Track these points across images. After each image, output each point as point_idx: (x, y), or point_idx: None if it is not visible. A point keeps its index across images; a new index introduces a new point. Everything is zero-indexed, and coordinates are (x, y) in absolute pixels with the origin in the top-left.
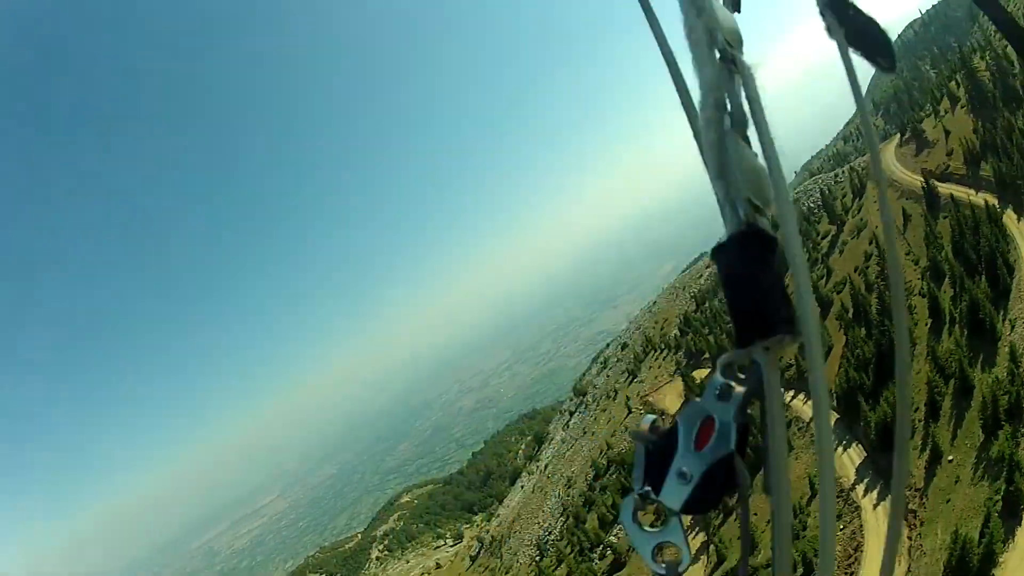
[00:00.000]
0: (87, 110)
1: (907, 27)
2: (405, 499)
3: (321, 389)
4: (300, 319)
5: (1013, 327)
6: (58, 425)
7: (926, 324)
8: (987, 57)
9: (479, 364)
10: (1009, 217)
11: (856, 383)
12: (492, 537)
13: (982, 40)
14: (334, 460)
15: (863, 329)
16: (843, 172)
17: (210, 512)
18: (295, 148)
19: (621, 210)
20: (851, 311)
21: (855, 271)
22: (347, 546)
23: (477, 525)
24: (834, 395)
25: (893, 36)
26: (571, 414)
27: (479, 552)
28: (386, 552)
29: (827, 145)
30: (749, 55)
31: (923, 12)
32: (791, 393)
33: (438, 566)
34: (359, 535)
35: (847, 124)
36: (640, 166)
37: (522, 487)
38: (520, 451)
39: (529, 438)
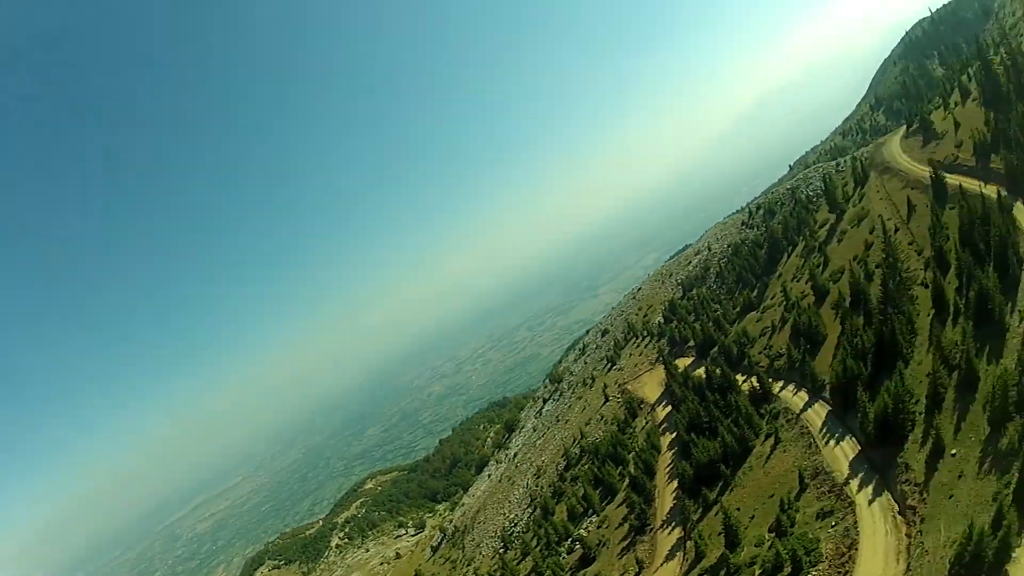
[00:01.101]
0: None
1: (916, 25)
2: (369, 485)
3: (293, 368)
4: (274, 295)
5: (1023, 319)
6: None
7: (928, 315)
8: (1002, 52)
9: (453, 351)
10: (1020, 209)
11: (854, 373)
12: (455, 527)
13: (997, 35)
14: (301, 443)
15: (861, 318)
16: (845, 161)
17: (175, 493)
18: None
19: (607, 200)
20: (849, 300)
21: (854, 260)
22: (308, 532)
23: (440, 514)
24: (828, 385)
25: (901, 35)
26: (545, 401)
27: (441, 542)
28: (346, 540)
29: (823, 140)
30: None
31: (933, 12)
32: (780, 384)
33: (398, 556)
34: (320, 521)
35: (846, 120)
36: (626, 156)
37: (489, 476)
38: (489, 439)
39: (499, 426)
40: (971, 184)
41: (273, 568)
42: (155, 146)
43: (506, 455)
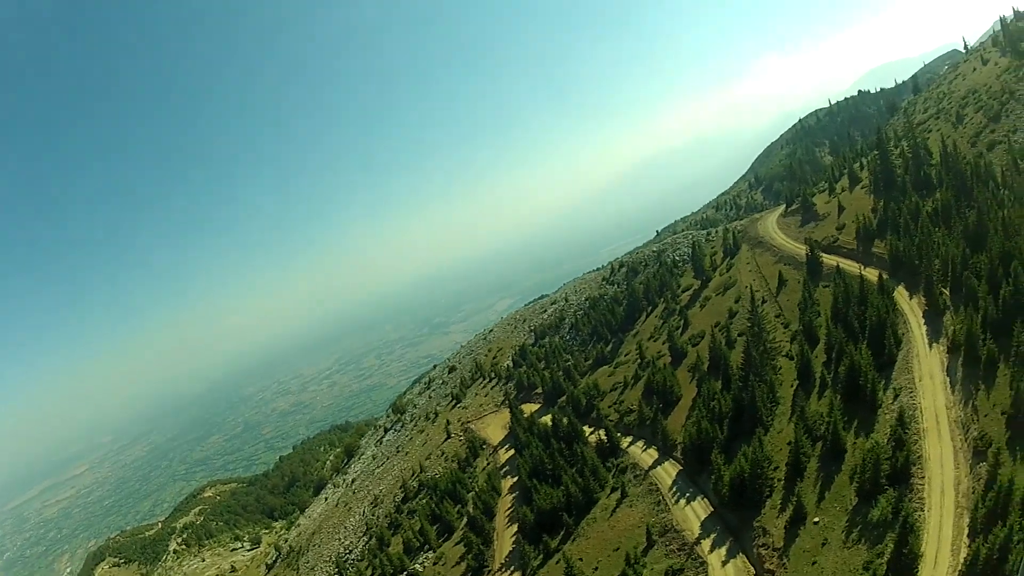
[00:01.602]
0: None
1: (811, 114)
2: (208, 493)
3: (146, 363)
4: (144, 283)
5: (897, 395)
6: None
7: (792, 385)
8: (904, 145)
9: (301, 367)
10: (901, 294)
11: (709, 435)
12: (290, 547)
13: (902, 129)
14: (146, 441)
15: (720, 383)
16: (716, 232)
17: (24, 472)
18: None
19: (471, 241)
20: (707, 364)
21: (716, 326)
22: (148, 533)
23: (277, 532)
24: (681, 445)
25: (793, 121)
26: (386, 431)
27: (276, 561)
28: (184, 546)
29: (695, 211)
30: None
31: (832, 103)
32: (629, 439)
33: (233, 569)
34: (160, 524)
35: (721, 194)
36: (502, 200)
37: (326, 499)
38: (328, 461)
39: (339, 449)
40: (850, 266)
41: (113, 566)
42: None
43: (344, 480)
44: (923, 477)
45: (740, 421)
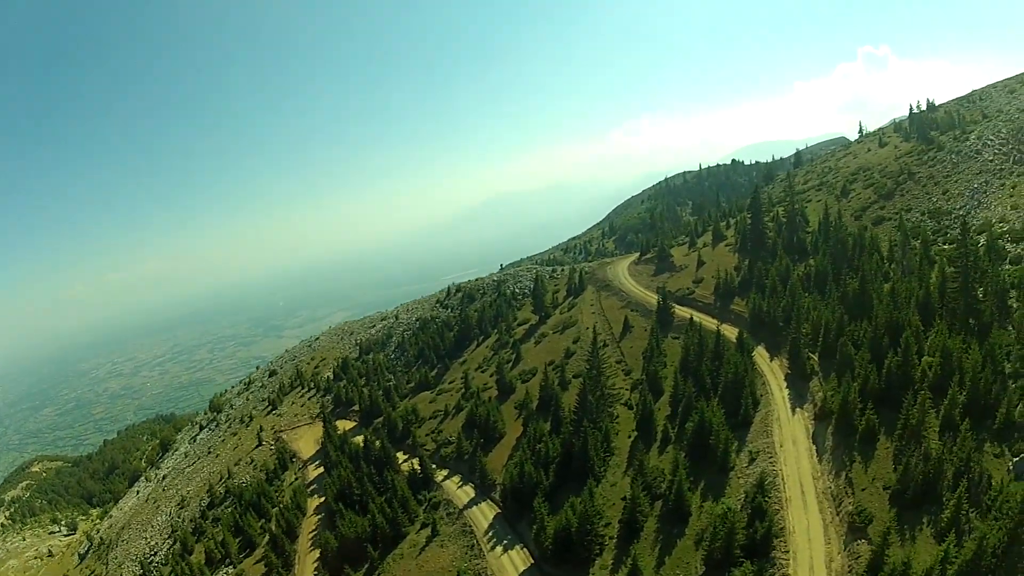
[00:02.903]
0: None
1: (678, 174)
2: (36, 468)
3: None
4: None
5: (754, 459)
6: None
7: (629, 436)
8: (778, 210)
9: (136, 350)
10: (761, 354)
11: (532, 479)
12: (101, 539)
13: (781, 194)
14: None
15: (549, 424)
16: (562, 270)
17: None
18: None
19: (323, 247)
20: (536, 403)
21: (550, 364)
22: None
23: (92, 520)
24: (501, 487)
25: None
26: (201, 428)
27: (88, 551)
28: (9, 521)
29: (544, 251)
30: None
31: (702, 168)
32: (445, 472)
33: (50, 554)
34: None
35: (573, 238)
36: (365, 209)
37: (138, 492)
38: (145, 452)
39: (156, 441)
40: (706, 320)
41: None
42: None
43: (156, 475)
44: (787, 551)
45: (569, 468)
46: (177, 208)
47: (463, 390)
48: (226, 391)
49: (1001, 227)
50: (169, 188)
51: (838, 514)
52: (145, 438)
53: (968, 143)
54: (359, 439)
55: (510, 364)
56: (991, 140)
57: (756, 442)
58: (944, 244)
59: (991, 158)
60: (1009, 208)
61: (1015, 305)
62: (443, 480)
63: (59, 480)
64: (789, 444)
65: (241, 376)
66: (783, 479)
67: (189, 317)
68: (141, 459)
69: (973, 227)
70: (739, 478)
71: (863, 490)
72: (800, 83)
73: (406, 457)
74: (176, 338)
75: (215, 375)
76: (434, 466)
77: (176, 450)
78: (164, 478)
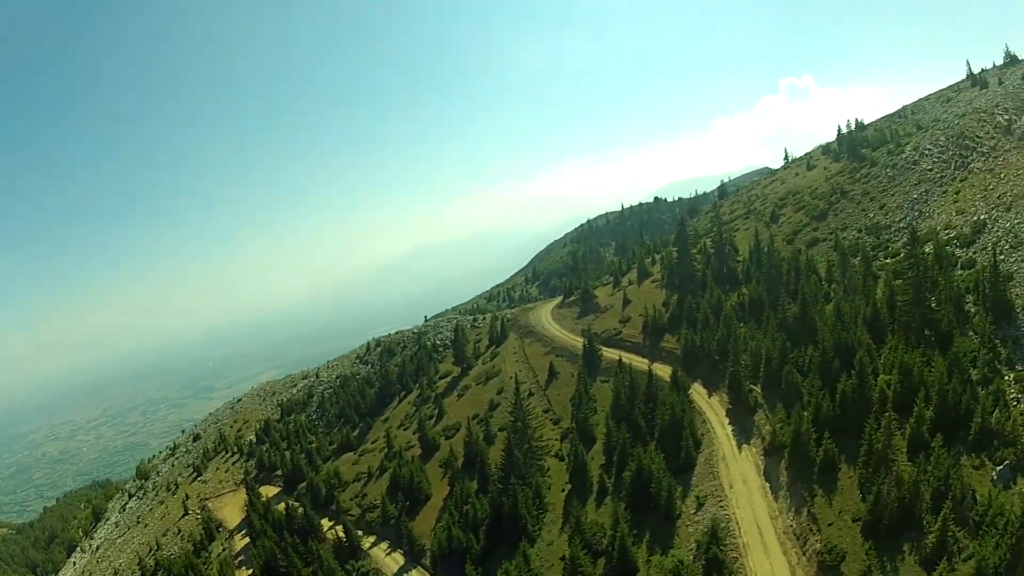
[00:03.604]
0: None
1: (600, 216)
2: None
3: None
4: None
5: (702, 504)
6: None
7: (563, 490)
8: (706, 242)
9: (71, 412)
10: (698, 391)
11: (462, 544)
12: None
13: (709, 225)
14: None
15: (476, 483)
16: (484, 318)
17: None
18: None
19: (263, 300)
20: (462, 460)
21: (474, 418)
22: None
23: None
24: (430, 552)
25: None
26: (130, 496)
27: None
28: None
29: (468, 300)
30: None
31: (624, 207)
32: (372, 538)
33: None
34: None
35: (496, 286)
36: (290, 262)
37: (74, 564)
38: (80, 521)
39: (88, 510)
40: (636, 360)
41: None
42: None
43: (90, 546)
44: None
45: (500, 529)
46: (107, 263)
47: (386, 450)
48: (153, 457)
49: (947, 234)
50: (98, 242)
51: (804, 554)
52: (82, 505)
53: (904, 155)
54: (282, 506)
55: (433, 420)
56: (929, 149)
57: (702, 486)
58: (886, 258)
59: (930, 167)
60: (955, 214)
61: (972, 310)
62: (370, 547)
63: (5, 548)
64: (739, 484)
65: (173, 440)
66: (737, 523)
67: (122, 377)
68: (77, 528)
69: (918, 237)
70: (687, 526)
71: (830, 525)
72: (721, 119)
73: (331, 524)
74: (109, 400)
75: (148, 439)
76: (360, 533)
77: (108, 519)
78: (97, 549)
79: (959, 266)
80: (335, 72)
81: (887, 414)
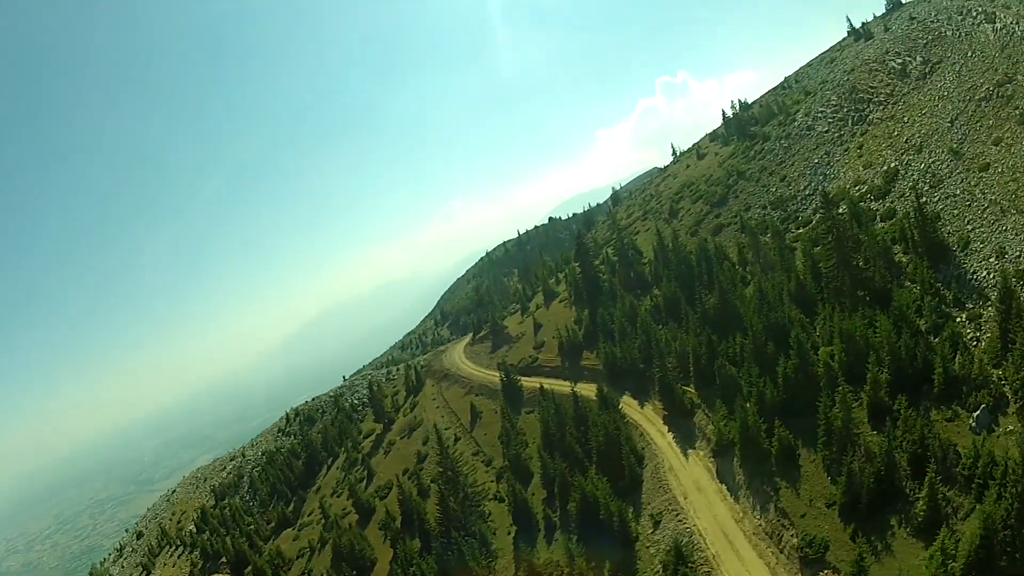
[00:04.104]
0: None
1: (498, 246)
2: None
3: None
4: None
5: (658, 523)
6: None
7: (509, 533)
8: (607, 251)
9: (24, 522)
10: (629, 404)
11: None
12: None
13: (608, 233)
14: None
15: (418, 541)
16: (397, 369)
17: None
18: None
19: (183, 383)
20: (400, 519)
21: (404, 473)
22: None
23: None
24: None
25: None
26: None
27: None
28: None
29: (382, 354)
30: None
31: (520, 233)
32: None
33: None
34: None
35: (407, 334)
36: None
37: None
38: None
39: None
40: (558, 385)
41: None
42: None
43: None
44: None
45: None
46: (31, 366)
47: (323, 520)
48: (103, 560)
49: (859, 189)
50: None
51: (782, 552)
52: None
53: (796, 123)
54: None
55: (364, 482)
56: (822, 111)
57: (655, 502)
58: (798, 229)
59: (826, 129)
60: (862, 168)
61: (904, 259)
62: None
63: None
64: (694, 493)
65: (118, 541)
66: (701, 534)
67: (67, 480)
68: None
69: (830, 199)
70: (648, 548)
71: (803, 516)
72: (603, 130)
73: None
74: (58, 507)
75: (101, 540)
76: None
77: None
78: None
79: (878, 219)
80: (199, 155)
81: (840, 387)
